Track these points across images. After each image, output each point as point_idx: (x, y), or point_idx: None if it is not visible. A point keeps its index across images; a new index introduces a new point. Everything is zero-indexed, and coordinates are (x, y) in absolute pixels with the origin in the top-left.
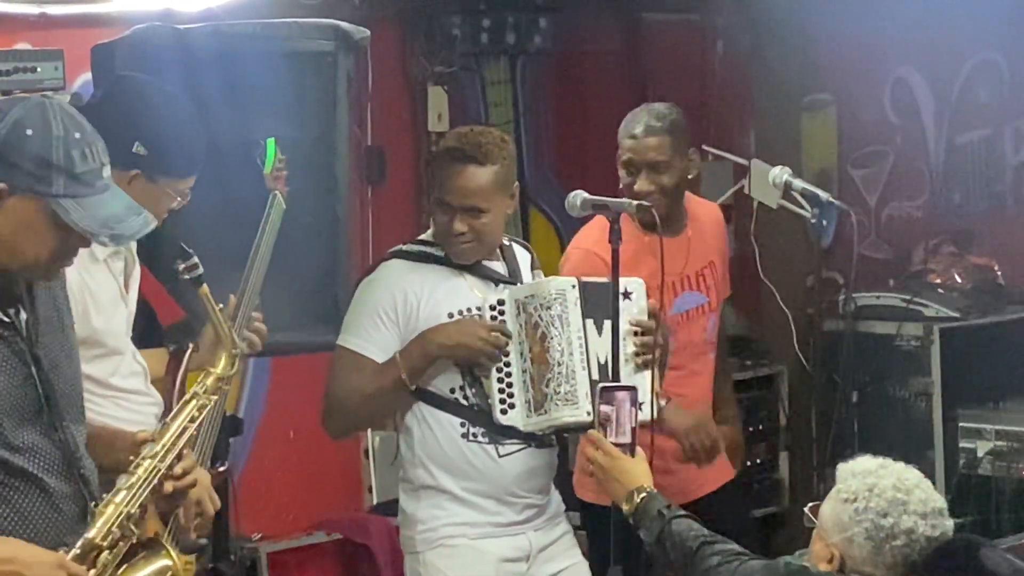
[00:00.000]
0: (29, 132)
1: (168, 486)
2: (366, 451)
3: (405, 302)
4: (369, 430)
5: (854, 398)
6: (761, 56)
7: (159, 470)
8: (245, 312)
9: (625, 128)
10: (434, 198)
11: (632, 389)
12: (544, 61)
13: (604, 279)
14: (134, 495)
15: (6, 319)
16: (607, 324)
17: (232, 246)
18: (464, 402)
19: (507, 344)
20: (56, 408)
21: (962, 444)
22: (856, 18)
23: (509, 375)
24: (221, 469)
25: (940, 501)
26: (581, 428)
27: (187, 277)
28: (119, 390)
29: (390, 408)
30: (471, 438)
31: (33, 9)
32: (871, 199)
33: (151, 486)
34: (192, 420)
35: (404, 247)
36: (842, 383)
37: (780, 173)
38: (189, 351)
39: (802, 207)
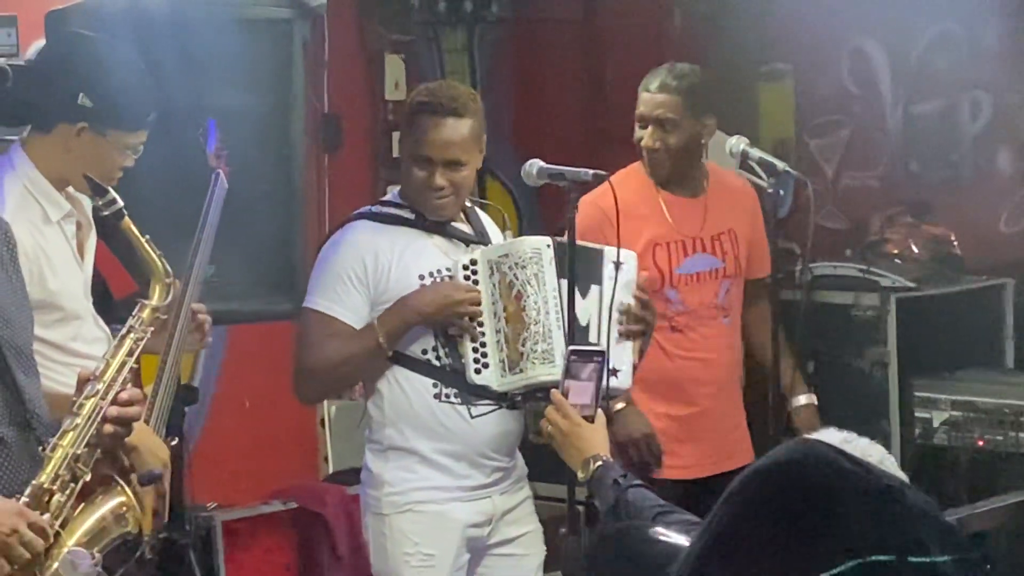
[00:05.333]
0: None
1: (112, 411)
2: (322, 421)
3: (376, 264)
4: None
5: (810, 368)
6: (718, 25)
7: (103, 408)
8: (192, 293)
9: (643, 83)
10: (409, 155)
11: (600, 354)
12: (502, 30)
13: (590, 244)
14: (80, 435)
15: None
16: (592, 288)
17: (184, 211)
18: (436, 363)
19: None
20: (3, 359)
21: (918, 414)
22: None
23: (483, 335)
24: (173, 443)
25: (902, 478)
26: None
27: (106, 213)
28: (81, 356)
29: (364, 373)
30: (443, 399)
31: None
32: (828, 169)
33: (97, 424)
34: (130, 354)
35: (372, 208)
36: (798, 353)
37: (737, 143)
38: None
39: (759, 176)
